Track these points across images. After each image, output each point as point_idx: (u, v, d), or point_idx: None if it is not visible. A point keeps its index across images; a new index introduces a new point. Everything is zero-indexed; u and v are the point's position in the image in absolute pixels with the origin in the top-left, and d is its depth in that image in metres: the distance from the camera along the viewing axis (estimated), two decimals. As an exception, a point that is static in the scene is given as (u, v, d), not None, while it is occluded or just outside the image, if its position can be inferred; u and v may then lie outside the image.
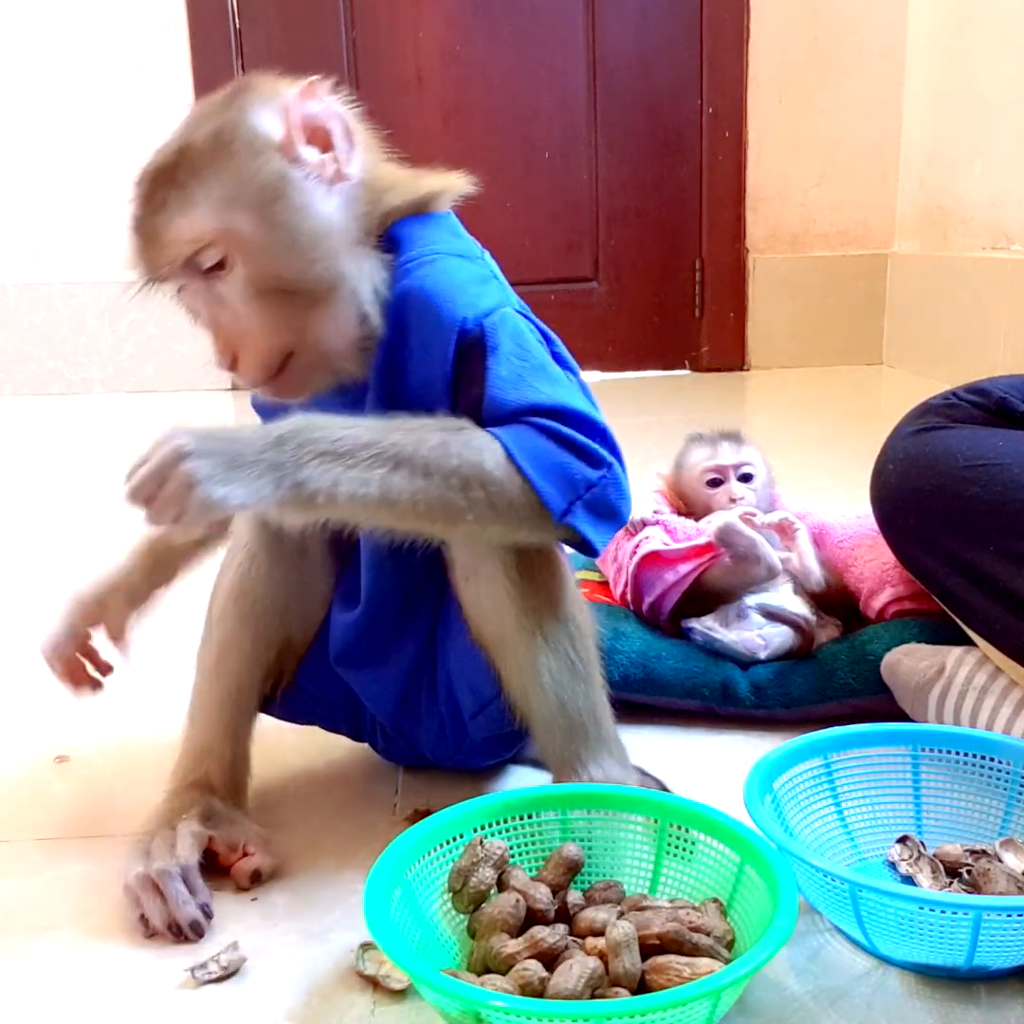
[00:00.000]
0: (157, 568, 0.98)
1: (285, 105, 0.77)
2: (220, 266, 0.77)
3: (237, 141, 0.76)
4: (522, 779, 0.96)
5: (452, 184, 0.85)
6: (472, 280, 0.81)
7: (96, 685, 0.99)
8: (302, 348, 0.79)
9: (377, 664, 0.91)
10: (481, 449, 0.74)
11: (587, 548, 0.78)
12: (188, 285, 0.79)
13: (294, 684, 0.94)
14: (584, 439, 0.75)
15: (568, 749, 0.82)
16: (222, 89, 0.80)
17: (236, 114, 0.77)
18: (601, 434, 0.77)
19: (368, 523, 0.77)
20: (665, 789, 0.88)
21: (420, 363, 0.79)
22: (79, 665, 0.98)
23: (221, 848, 0.83)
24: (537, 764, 0.94)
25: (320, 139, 0.79)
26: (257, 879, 0.82)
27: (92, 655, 0.99)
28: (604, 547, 0.79)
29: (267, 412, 0.88)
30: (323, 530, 0.89)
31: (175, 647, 1.27)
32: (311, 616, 0.92)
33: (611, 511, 0.77)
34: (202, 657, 0.90)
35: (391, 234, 0.82)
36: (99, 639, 0.99)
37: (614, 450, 0.78)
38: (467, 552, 0.81)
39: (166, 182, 0.76)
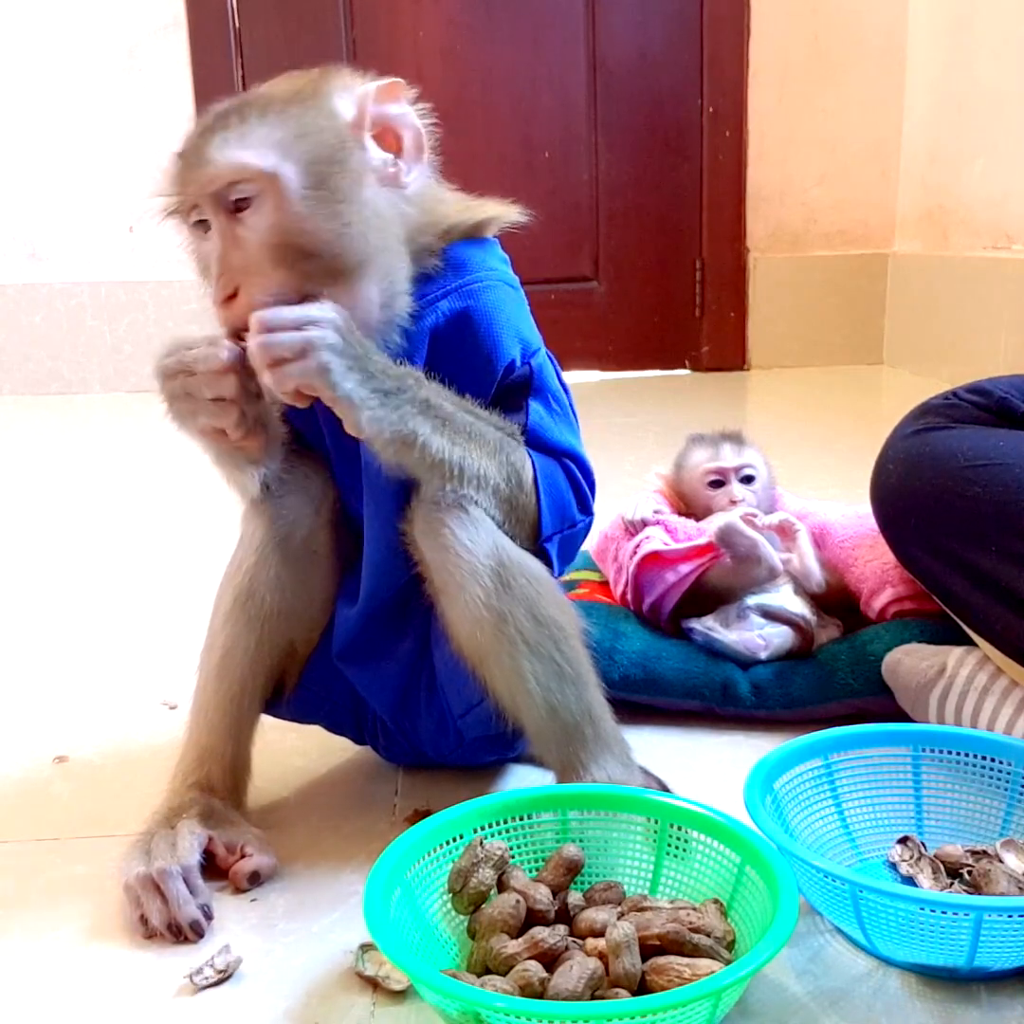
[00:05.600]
0: None
1: (363, 95, 0.79)
2: (247, 205, 0.76)
3: (313, 101, 0.78)
4: (522, 779, 0.96)
5: (505, 212, 0.89)
6: (521, 314, 0.87)
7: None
8: None
9: (377, 660, 0.91)
10: (524, 459, 0.84)
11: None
12: (211, 218, 0.78)
13: (299, 685, 0.94)
14: (586, 488, 0.88)
15: (567, 752, 0.82)
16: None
17: (320, 85, 0.79)
18: (593, 486, 0.89)
19: (427, 479, 0.80)
20: (666, 789, 0.87)
21: (465, 373, 0.83)
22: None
23: (219, 849, 0.83)
24: (540, 763, 0.94)
25: (391, 142, 0.80)
26: (255, 880, 0.82)
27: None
28: (560, 576, 0.90)
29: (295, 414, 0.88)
30: (332, 532, 0.90)
31: (176, 646, 1.27)
32: (316, 620, 0.92)
33: (571, 552, 0.90)
34: (206, 658, 0.90)
35: (449, 253, 0.85)
36: None
37: (594, 501, 0.89)
38: (438, 566, 0.81)
39: (231, 117, 0.77)
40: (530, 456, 0.84)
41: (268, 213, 0.76)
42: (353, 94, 0.79)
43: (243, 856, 0.82)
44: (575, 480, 0.87)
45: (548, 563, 0.87)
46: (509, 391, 0.85)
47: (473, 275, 0.85)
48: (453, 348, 0.83)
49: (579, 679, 0.82)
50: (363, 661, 0.91)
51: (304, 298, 0.76)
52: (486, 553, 0.80)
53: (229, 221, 0.77)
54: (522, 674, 0.80)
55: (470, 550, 0.80)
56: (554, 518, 0.85)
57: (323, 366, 0.73)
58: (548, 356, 0.90)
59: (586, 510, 0.88)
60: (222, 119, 0.77)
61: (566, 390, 0.91)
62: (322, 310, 0.74)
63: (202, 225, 0.79)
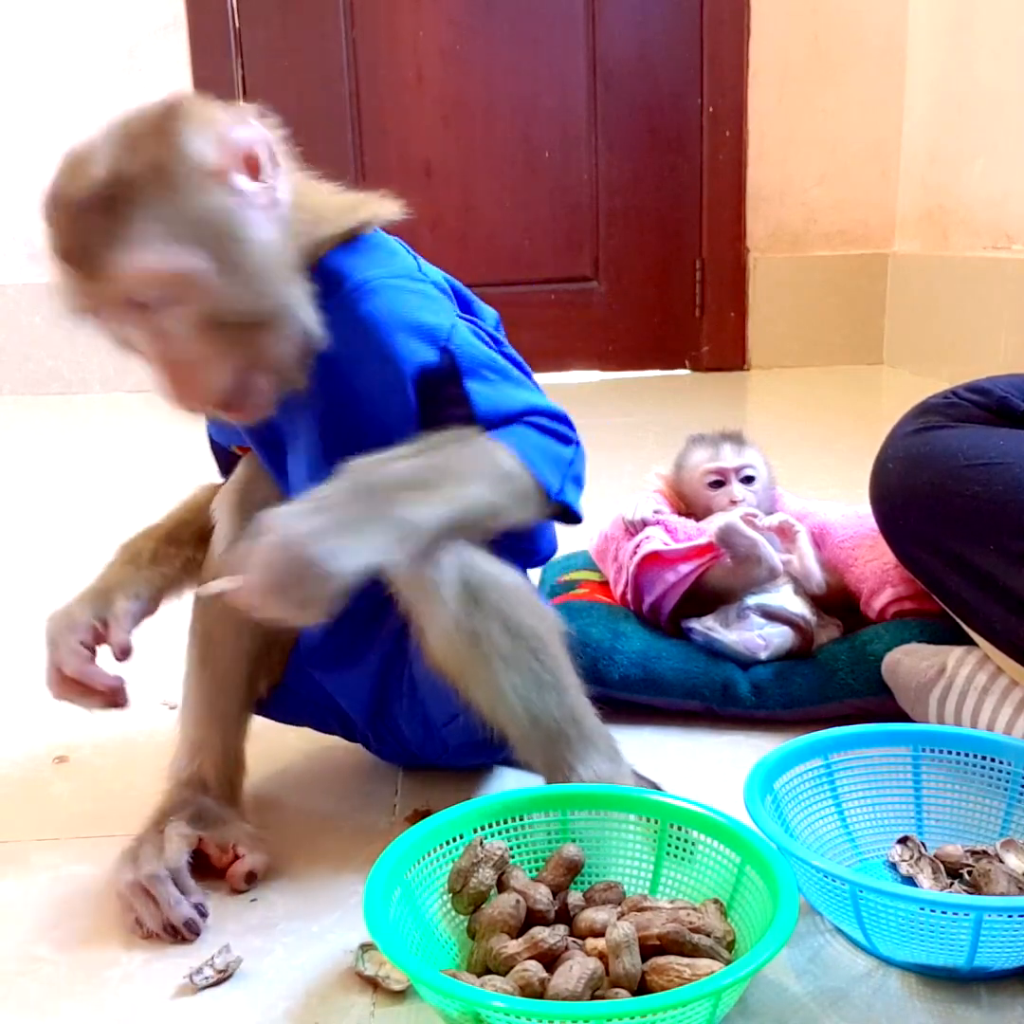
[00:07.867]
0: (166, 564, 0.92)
1: (221, 133, 0.74)
2: (164, 300, 0.73)
3: (179, 173, 0.72)
4: (522, 779, 0.95)
5: (381, 211, 0.85)
6: (415, 305, 0.82)
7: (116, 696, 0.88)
8: (256, 370, 0.78)
9: (345, 665, 0.90)
10: (494, 452, 0.80)
11: (570, 517, 0.85)
12: (126, 318, 0.74)
13: (283, 685, 0.94)
14: (557, 426, 0.84)
15: (552, 756, 0.81)
16: (146, 108, 0.74)
17: (174, 142, 0.72)
18: (564, 419, 0.85)
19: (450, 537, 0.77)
20: (657, 788, 0.87)
21: (372, 388, 0.81)
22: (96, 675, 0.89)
23: (212, 849, 0.83)
24: (526, 768, 0.94)
25: (252, 166, 0.75)
26: (252, 880, 0.82)
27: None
28: (580, 513, 0.86)
29: (222, 434, 0.88)
30: None
31: (176, 646, 1.27)
32: None
33: (582, 480, 0.86)
34: (190, 652, 0.91)
35: (326, 265, 0.81)
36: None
37: (574, 429, 0.86)
38: (407, 592, 0.79)
39: (104, 211, 0.70)
40: (499, 440, 0.80)
41: (190, 304, 0.73)
42: (209, 137, 0.73)
43: (236, 856, 0.82)
44: (545, 428, 0.83)
45: (571, 513, 0.84)
46: (439, 382, 0.81)
47: (346, 286, 0.81)
48: (351, 365, 0.80)
49: (559, 685, 0.81)
50: (330, 667, 0.91)
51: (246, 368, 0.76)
52: (452, 574, 0.77)
53: (147, 318, 0.74)
54: (501, 689, 0.79)
55: (436, 573, 0.78)
56: (552, 473, 0.82)
57: (325, 578, 0.70)
58: (466, 318, 0.85)
59: (567, 442, 0.84)
60: (96, 217, 0.70)
61: (497, 343, 0.86)
62: (268, 527, 0.70)
63: (114, 319, 0.75)
